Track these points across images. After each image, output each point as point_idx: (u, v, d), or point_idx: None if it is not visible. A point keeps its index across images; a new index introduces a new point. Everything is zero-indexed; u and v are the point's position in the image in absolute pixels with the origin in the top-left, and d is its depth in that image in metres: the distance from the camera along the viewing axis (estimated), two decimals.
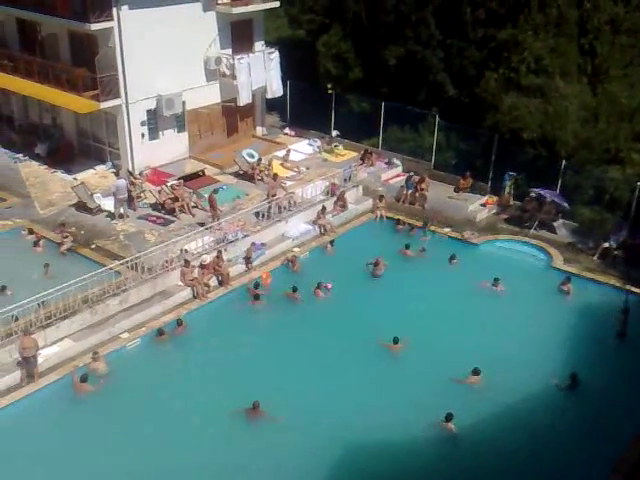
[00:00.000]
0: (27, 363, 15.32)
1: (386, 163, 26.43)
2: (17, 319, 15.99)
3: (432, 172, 25.39)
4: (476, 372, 15.94)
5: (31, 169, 25.40)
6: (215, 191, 22.68)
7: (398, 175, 25.97)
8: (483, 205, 23.91)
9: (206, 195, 23.06)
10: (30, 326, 16.01)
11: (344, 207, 23.21)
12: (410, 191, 24.19)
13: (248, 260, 20.15)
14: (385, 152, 26.84)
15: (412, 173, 25.04)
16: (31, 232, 20.82)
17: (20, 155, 26.32)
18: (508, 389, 15.75)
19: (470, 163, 24.70)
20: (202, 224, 21.01)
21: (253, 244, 20.41)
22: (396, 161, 26.33)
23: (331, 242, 21.56)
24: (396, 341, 16.96)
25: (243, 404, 14.85)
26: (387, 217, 23.24)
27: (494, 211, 23.79)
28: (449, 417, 14.65)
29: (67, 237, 20.00)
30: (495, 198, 23.98)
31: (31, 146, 26.40)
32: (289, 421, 14.80)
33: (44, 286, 16.82)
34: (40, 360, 15.75)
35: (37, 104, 26.96)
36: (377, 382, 16.02)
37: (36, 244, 20.19)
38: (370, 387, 15.86)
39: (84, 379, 15.36)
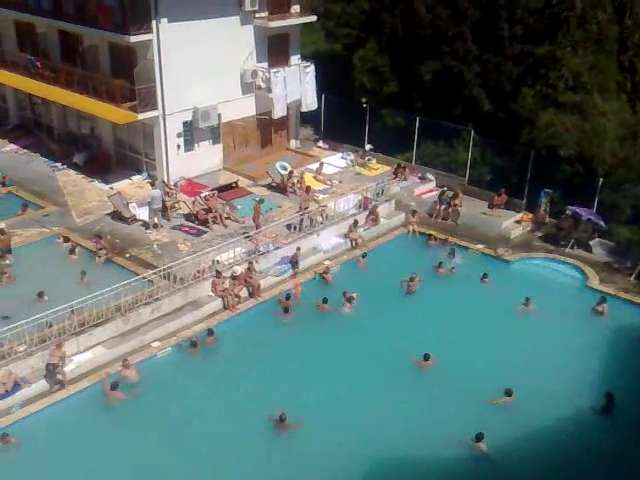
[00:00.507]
0: (51, 370, 15.49)
1: (419, 178, 26.31)
2: (51, 325, 16.22)
3: (466, 188, 25.18)
4: (509, 393, 15.66)
5: (69, 178, 25.87)
6: (260, 201, 22.76)
7: (431, 190, 25.83)
8: (518, 222, 23.61)
9: (239, 207, 23.25)
10: (64, 332, 16.23)
11: (376, 221, 23.12)
12: (443, 206, 24.01)
13: (295, 264, 20.33)
14: (418, 167, 26.72)
15: (445, 188, 24.88)
16: (67, 240, 21.15)
17: (58, 164, 26.84)
18: (540, 410, 15.46)
19: (505, 179, 24.44)
20: (245, 233, 21.11)
21: (298, 249, 20.50)
22: (429, 176, 26.19)
23: (363, 255, 21.48)
24: (427, 358, 16.79)
25: (271, 415, 14.82)
26: (419, 232, 23.09)
27: (529, 228, 23.46)
28: (479, 437, 14.41)
29: (102, 249, 20.16)
30: (530, 215, 23.67)
31: (69, 155, 26.91)
32: (316, 434, 14.70)
33: (79, 293, 17.04)
34: (72, 366, 15.96)
35: (76, 114, 27.49)
36: (406, 399, 15.83)
37: (72, 252, 20.47)
38: (399, 403, 15.68)
39: (115, 387, 15.49)
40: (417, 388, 16.28)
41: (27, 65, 27.42)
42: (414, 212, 23.48)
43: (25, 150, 28.25)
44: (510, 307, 19.07)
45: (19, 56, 28.20)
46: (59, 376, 15.50)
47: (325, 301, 18.98)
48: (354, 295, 19.00)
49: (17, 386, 15.18)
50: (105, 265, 20.04)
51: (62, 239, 21.23)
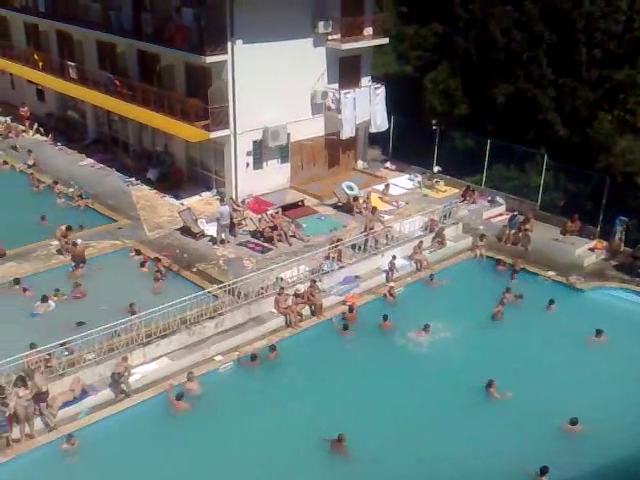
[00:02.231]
0: (116, 380, 15.82)
1: (489, 201, 25.82)
2: (119, 335, 16.61)
3: (537, 213, 24.56)
4: (573, 422, 15.17)
5: (142, 193, 26.65)
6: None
7: (501, 214, 25.29)
8: (591, 250, 22.79)
9: (304, 225, 23.35)
10: (131, 342, 16.60)
11: (442, 244, 22.77)
12: (513, 231, 23.42)
13: (391, 271, 20.66)
14: (488, 190, 26.26)
15: (516, 212, 24.29)
16: (138, 253, 21.71)
17: (133, 179, 27.71)
18: (607, 443, 14.79)
19: (579, 205, 23.74)
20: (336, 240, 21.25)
21: (393, 257, 20.67)
22: (499, 200, 25.68)
23: (431, 277, 21.19)
24: (490, 385, 16.35)
25: (328, 435, 14.69)
26: (487, 256, 22.59)
27: (603, 256, 22.60)
28: (544, 470, 13.86)
29: (158, 272, 20.22)
30: (604, 243, 22.82)
31: (143, 171, 27.73)
32: (371, 458, 14.45)
33: (148, 305, 17.41)
34: (138, 376, 16.26)
35: (151, 131, 28.36)
36: (470, 426, 15.40)
37: (142, 265, 20.98)
38: (462, 431, 15.26)
39: (180, 397, 15.69)
40: (483, 416, 15.82)
41: (106, 83, 28.54)
42: (482, 236, 23.01)
43: (101, 165, 29.29)
44: (581, 337, 18.36)
45: (99, 74, 29.40)
46: (123, 386, 15.82)
47: (385, 318, 18.81)
48: (430, 324, 18.51)
49: (85, 393, 15.55)
50: (173, 278, 20.40)
51: (134, 252, 21.81)
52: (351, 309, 19.28)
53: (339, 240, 21.32)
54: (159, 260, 20.83)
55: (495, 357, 17.67)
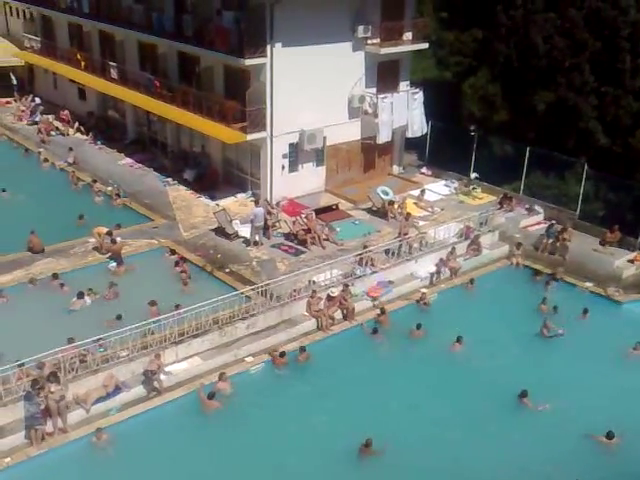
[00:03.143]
0: (148, 377, 15.95)
1: (526, 209, 25.44)
2: (153, 333, 16.76)
3: (576, 222, 24.13)
4: (610, 436, 14.87)
5: (178, 193, 26.91)
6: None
7: (538, 223, 24.87)
8: (631, 261, 22.25)
9: (338, 229, 23.31)
10: (164, 341, 16.74)
11: (477, 251, 22.49)
12: (551, 240, 23.01)
13: (437, 275, 20.80)
14: (526, 198, 25.88)
15: (554, 222, 23.87)
16: (173, 252, 21.90)
17: (170, 179, 28.00)
18: None
19: (619, 216, 23.30)
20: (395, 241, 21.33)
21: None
22: (537, 208, 25.28)
23: (471, 281, 21.03)
24: (524, 395, 16.11)
25: (357, 440, 14.59)
26: (523, 265, 22.25)
27: None
28: None
29: (183, 272, 20.32)
30: None
31: (180, 171, 28.02)
32: (399, 464, 14.33)
33: (181, 303, 17.57)
34: (169, 375, 16.36)
35: (189, 132, 28.62)
36: (502, 437, 15.19)
37: (177, 264, 21.15)
38: (494, 441, 15.04)
39: (211, 396, 15.76)
40: (516, 426, 15.59)
41: (147, 84, 28.92)
42: (519, 244, 22.67)
43: (140, 164, 29.69)
44: (619, 350, 17.97)
45: (140, 75, 29.81)
46: (155, 383, 15.95)
47: (419, 327, 18.63)
48: (463, 337, 18.18)
49: (117, 389, 15.72)
50: (207, 278, 20.54)
51: (169, 251, 22.01)
52: (383, 311, 19.13)
53: (366, 247, 21.19)
54: (184, 261, 20.93)
55: (529, 368, 17.39)
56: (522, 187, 26.20)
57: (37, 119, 35.07)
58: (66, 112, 34.48)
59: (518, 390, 16.18)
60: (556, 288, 20.86)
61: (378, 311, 19.30)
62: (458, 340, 18.06)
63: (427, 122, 27.98)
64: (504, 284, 21.38)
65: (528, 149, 25.39)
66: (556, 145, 24.92)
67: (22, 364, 15.02)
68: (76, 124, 34.05)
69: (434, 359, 17.77)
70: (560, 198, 25.20)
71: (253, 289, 19.01)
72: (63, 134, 32.98)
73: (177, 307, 17.62)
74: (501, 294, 20.78)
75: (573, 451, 14.73)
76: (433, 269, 21.14)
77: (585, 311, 19.51)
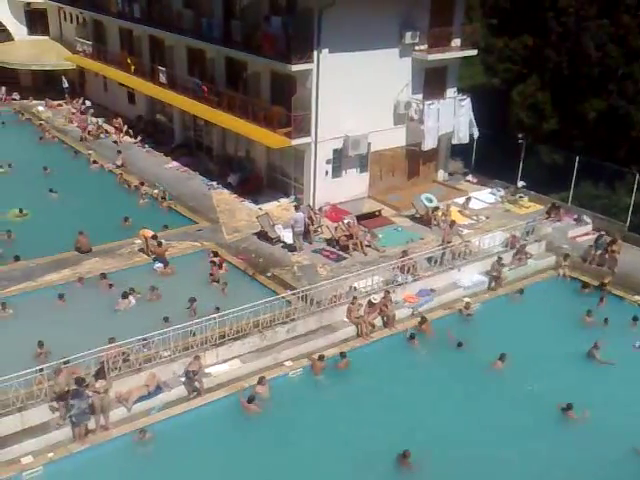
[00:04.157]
0: (190, 377, 16.08)
1: (574, 220, 24.88)
2: (194, 334, 16.92)
3: (626, 234, 23.49)
4: None
5: (222, 197, 27.17)
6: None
7: (587, 233, 24.30)
8: None
9: (380, 235, 23.16)
10: (206, 342, 16.87)
11: (523, 261, 22.06)
12: (599, 252, 22.43)
13: (497, 279, 20.77)
14: (574, 208, 25.33)
15: (603, 233, 23.27)
16: (216, 255, 22.09)
17: (214, 183, 28.30)
18: None
19: None
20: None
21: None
22: (586, 218, 24.70)
23: (520, 291, 20.71)
24: (569, 407, 15.78)
25: (394, 449, 14.45)
26: (570, 277, 21.75)
27: None
28: None
29: (212, 275, 20.51)
30: None
31: (225, 175, 28.29)
32: (438, 476, 14.13)
33: (222, 307, 17.69)
34: (210, 376, 16.48)
35: (234, 137, 28.88)
36: (545, 450, 14.86)
37: (219, 267, 21.25)
38: (535, 454, 14.75)
39: (251, 400, 15.82)
40: (560, 439, 15.28)
41: (194, 88, 29.30)
42: (566, 255, 22.16)
43: (185, 168, 30.08)
44: None
45: (188, 80, 30.22)
46: (196, 384, 16.07)
47: (460, 345, 18.31)
48: (506, 354, 17.67)
49: (159, 389, 15.90)
50: (249, 282, 20.65)
51: (212, 254, 22.21)
52: (423, 320, 18.91)
53: (404, 253, 21.02)
54: (214, 263, 21.02)
55: (574, 381, 16.96)
56: (570, 197, 25.66)
57: (87, 122, 35.90)
58: (119, 120, 34.97)
59: (560, 402, 15.87)
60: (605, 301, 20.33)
61: (418, 319, 19.06)
62: (501, 358, 17.59)
63: (476, 127, 27.60)
64: (550, 296, 20.95)
65: (577, 158, 24.87)
66: (606, 154, 24.38)
67: (67, 361, 15.32)
68: (125, 127, 34.72)
69: (474, 373, 17.42)
70: (610, 209, 24.61)
71: (294, 294, 19.04)
72: (116, 141, 33.37)
73: (217, 310, 17.75)
74: (547, 306, 20.34)
75: (618, 463, 14.38)
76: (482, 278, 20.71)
77: (635, 319, 19.19)
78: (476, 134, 27.56)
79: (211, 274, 20.61)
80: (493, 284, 21.19)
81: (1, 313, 18.39)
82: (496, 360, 17.57)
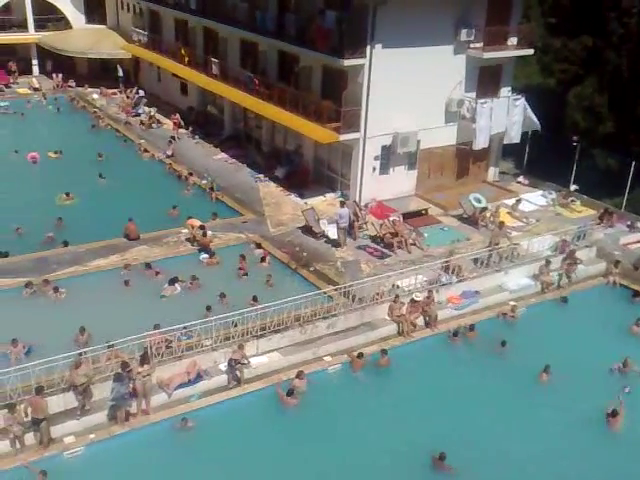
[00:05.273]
0: (232, 366, 16.18)
1: (628, 226, 24.16)
2: (236, 325, 17.02)
3: None
4: None
5: (269, 190, 27.27)
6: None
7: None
8: None
9: (426, 234, 22.92)
10: (247, 334, 16.97)
11: (572, 266, 21.51)
12: None
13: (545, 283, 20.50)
14: (629, 214, 24.62)
15: None
16: (259, 247, 22.19)
17: (261, 175, 28.43)
18: None
19: None
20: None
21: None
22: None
23: (564, 299, 20.26)
24: (614, 414, 15.43)
25: (430, 449, 14.31)
26: (621, 285, 21.11)
27: None
28: None
29: (241, 269, 20.43)
30: None
31: (272, 168, 28.39)
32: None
33: (264, 299, 17.80)
34: (250, 367, 16.55)
35: (283, 130, 28.95)
36: (587, 458, 14.56)
37: (262, 260, 21.39)
38: (578, 461, 14.45)
39: (290, 393, 15.84)
40: (604, 447, 14.95)
41: (246, 81, 29.45)
42: (617, 262, 21.53)
43: (234, 160, 30.30)
44: None
45: (240, 72, 30.40)
46: (238, 373, 16.18)
47: (503, 344, 17.98)
48: (550, 366, 17.06)
49: (199, 377, 16.06)
50: (291, 275, 20.68)
51: (255, 246, 22.31)
52: (472, 328, 18.62)
53: (451, 253, 20.76)
54: (244, 258, 21.01)
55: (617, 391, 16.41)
56: (625, 202, 25.01)
57: (140, 111, 36.48)
58: (177, 116, 34.73)
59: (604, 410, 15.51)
60: None
61: (467, 326, 18.79)
62: (545, 370, 17.10)
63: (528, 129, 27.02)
64: (598, 303, 20.42)
65: (633, 163, 24.14)
66: None
67: (111, 345, 15.60)
68: (176, 116, 35.04)
69: (517, 379, 17.03)
70: None
71: (336, 289, 18.99)
72: (174, 137, 32.69)
73: (254, 299, 17.88)
74: (595, 314, 19.80)
75: None
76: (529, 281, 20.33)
77: None
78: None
79: (240, 268, 20.65)
80: (543, 288, 20.72)
81: (54, 296, 18.84)
82: (541, 372, 17.09)
